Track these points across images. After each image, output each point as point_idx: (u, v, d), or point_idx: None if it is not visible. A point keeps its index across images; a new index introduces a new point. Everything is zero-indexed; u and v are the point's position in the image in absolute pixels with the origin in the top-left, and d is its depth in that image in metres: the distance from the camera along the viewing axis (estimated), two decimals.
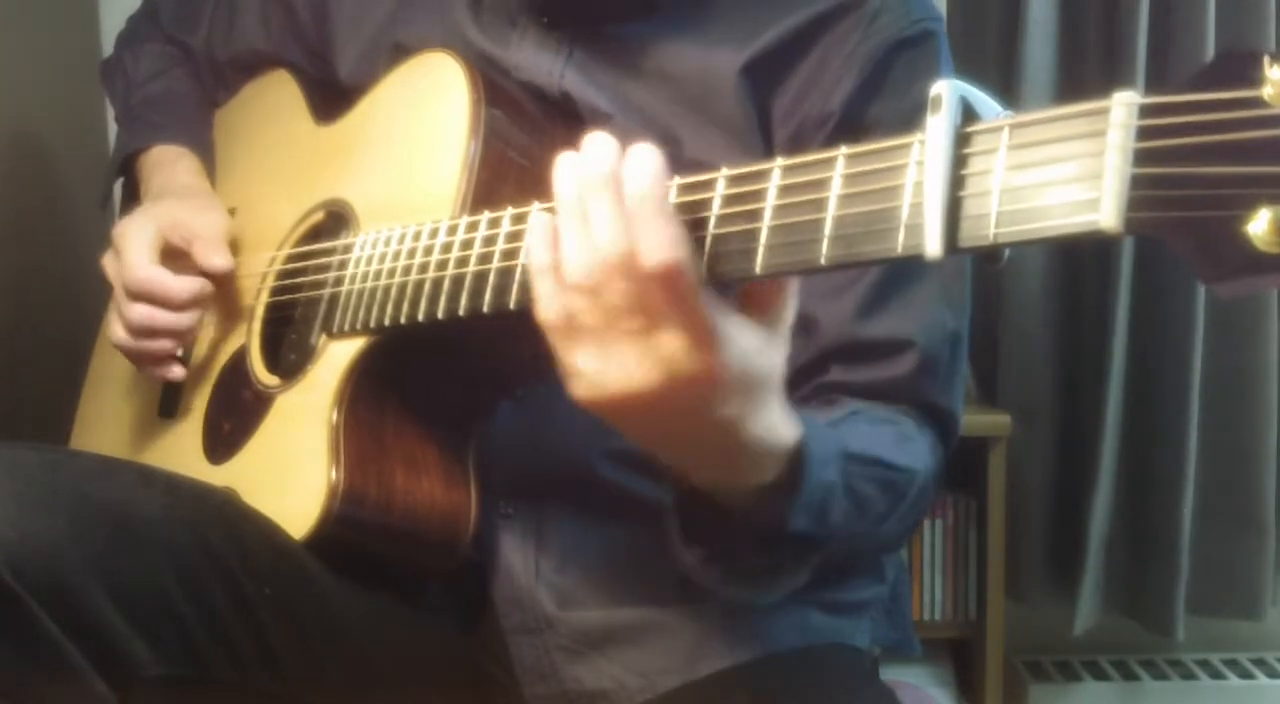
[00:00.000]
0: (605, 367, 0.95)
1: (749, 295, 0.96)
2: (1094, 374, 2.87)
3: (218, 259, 1.50)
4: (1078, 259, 2.90)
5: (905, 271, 1.32)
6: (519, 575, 1.38)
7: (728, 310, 0.93)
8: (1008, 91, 2.78)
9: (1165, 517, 2.86)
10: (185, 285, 1.47)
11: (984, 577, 2.81)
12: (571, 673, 1.38)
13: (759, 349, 0.94)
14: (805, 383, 1.34)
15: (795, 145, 1.35)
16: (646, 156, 0.94)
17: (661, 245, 0.90)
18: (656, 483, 1.36)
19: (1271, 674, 3.04)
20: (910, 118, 1.32)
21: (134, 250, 1.47)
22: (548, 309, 0.97)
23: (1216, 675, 3.04)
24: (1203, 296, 2.78)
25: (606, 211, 0.93)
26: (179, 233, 1.51)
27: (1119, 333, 2.80)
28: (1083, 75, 2.82)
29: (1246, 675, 3.04)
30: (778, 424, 1.02)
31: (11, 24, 2.13)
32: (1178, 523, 2.84)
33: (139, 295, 1.46)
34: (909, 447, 1.27)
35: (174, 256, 1.50)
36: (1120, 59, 2.75)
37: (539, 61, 1.41)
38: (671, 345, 0.92)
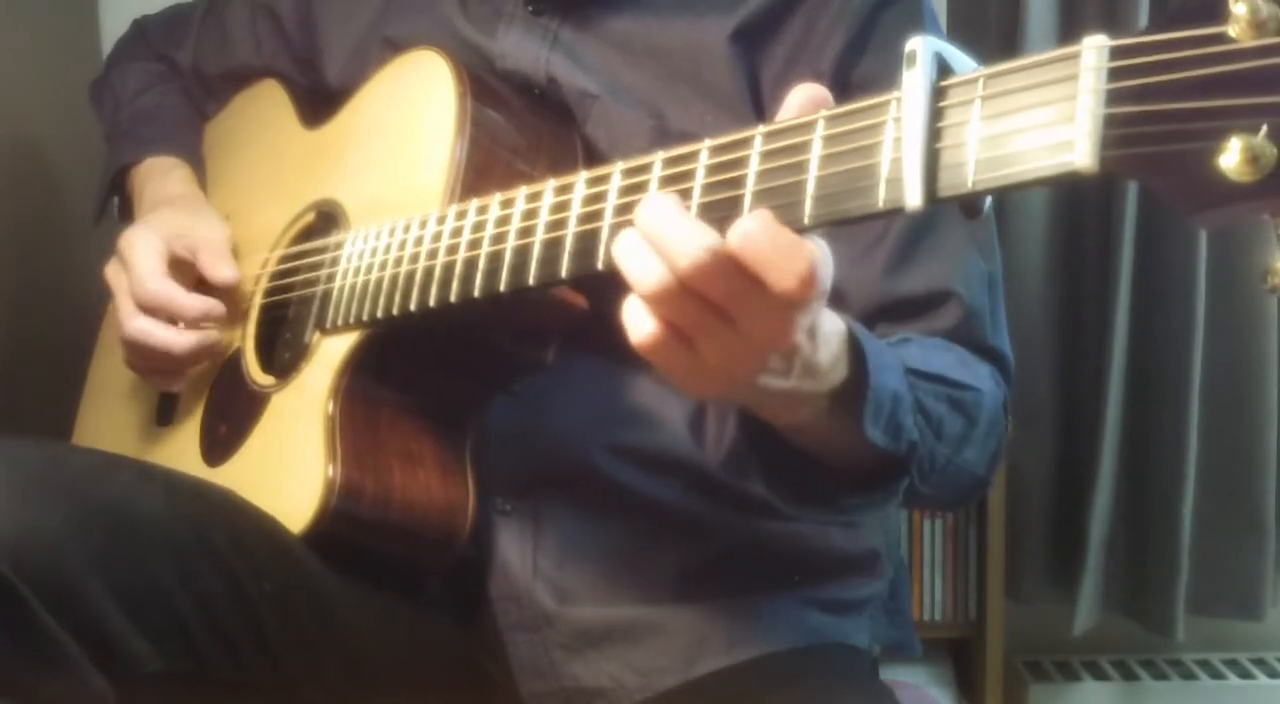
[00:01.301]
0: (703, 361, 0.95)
1: None
2: (1094, 374, 2.86)
3: (225, 271, 1.50)
4: (1078, 259, 2.91)
5: (929, 223, 1.32)
6: (517, 572, 1.38)
7: None
8: None
9: (1165, 517, 2.86)
10: (197, 303, 1.47)
11: (984, 577, 2.81)
12: (569, 670, 1.38)
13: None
14: None
15: None
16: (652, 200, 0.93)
17: (688, 254, 0.88)
18: (656, 479, 1.38)
19: (1271, 674, 3.03)
20: (900, 73, 1.33)
21: (143, 262, 1.47)
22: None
23: (1216, 675, 3.02)
24: (1203, 296, 2.78)
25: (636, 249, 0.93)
26: (182, 243, 1.51)
27: (1119, 333, 2.79)
28: None
29: (1246, 675, 3.03)
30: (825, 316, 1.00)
31: (11, 27, 2.14)
32: (1178, 523, 2.83)
33: (149, 308, 1.46)
34: (970, 369, 1.26)
35: (178, 267, 1.50)
36: None
37: (525, 48, 1.42)
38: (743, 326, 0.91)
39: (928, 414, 1.14)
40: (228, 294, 1.53)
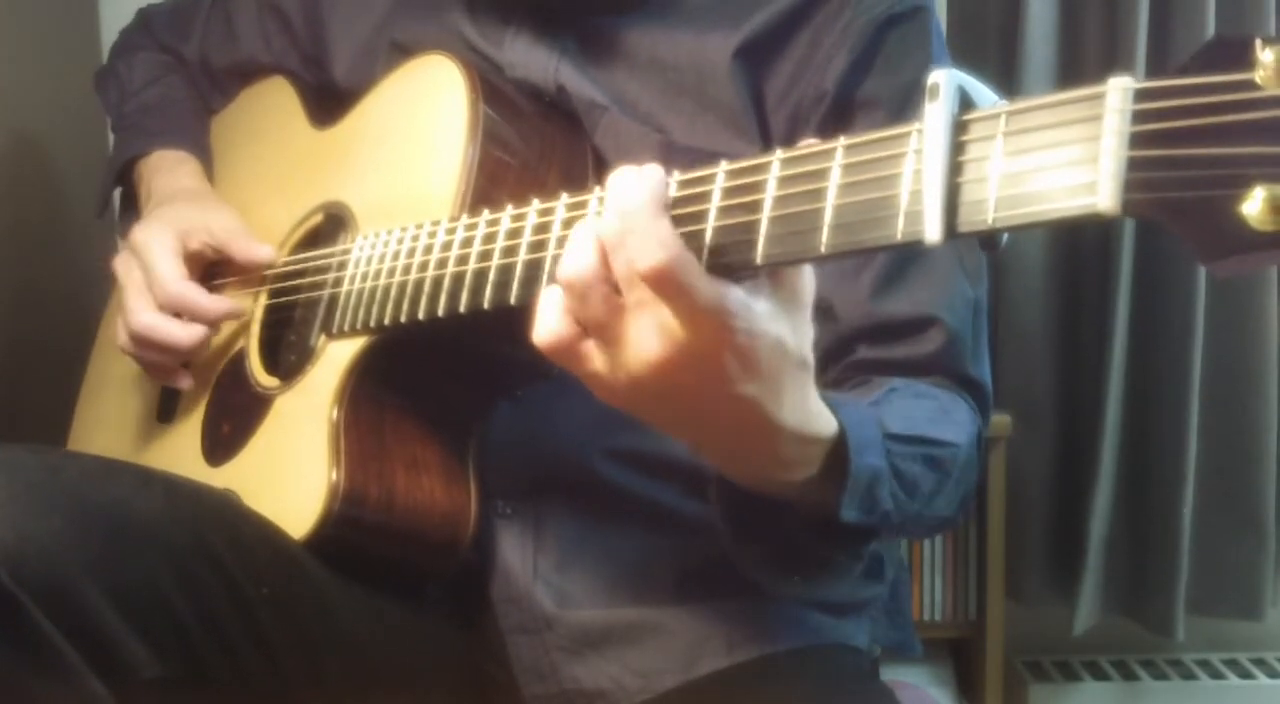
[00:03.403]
0: (612, 359, 0.94)
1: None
2: (1094, 374, 2.87)
3: (261, 251, 1.51)
4: (1078, 259, 2.91)
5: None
6: (517, 575, 1.38)
7: (729, 283, 0.90)
8: (1008, 91, 2.78)
9: (1165, 517, 2.87)
10: (219, 305, 1.47)
11: (984, 577, 2.81)
12: (570, 673, 1.38)
13: (770, 314, 0.92)
14: (834, 365, 1.33)
15: (793, 127, 1.36)
16: (631, 175, 0.93)
17: (648, 249, 0.88)
18: (656, 482, 1.37)
19: (1271, 674, 3.04)
20: (904, 94, 1.33)
21: (162, 262, 1.47)
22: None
23: (1216, 675, 3.04)
24: (1203, 296, 2.79)
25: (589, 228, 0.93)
26: (199, 238, 1.51)
27: (1119, 333, 2.80)
28: (1083, 75, 2.82)
29: (1246, 675, 3.04)
30: (814, 413, 1.01)
31: (11, 26, 2.14)
32: (1178, 523, 2.84)
33: (171, 309, 1.46)
34: (949, 420, 1.26)
35: (194, 262, 1.51)
36: (1120, 59, 2.76)
37: (533, 58, 1.41)
38: (671, 319, 0.90)
39: (902, 477, 1.14)
40: (231, 293, 1.53)
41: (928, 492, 1.19)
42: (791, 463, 1.03)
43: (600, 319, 0.93)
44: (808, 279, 0.94)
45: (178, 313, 1.46)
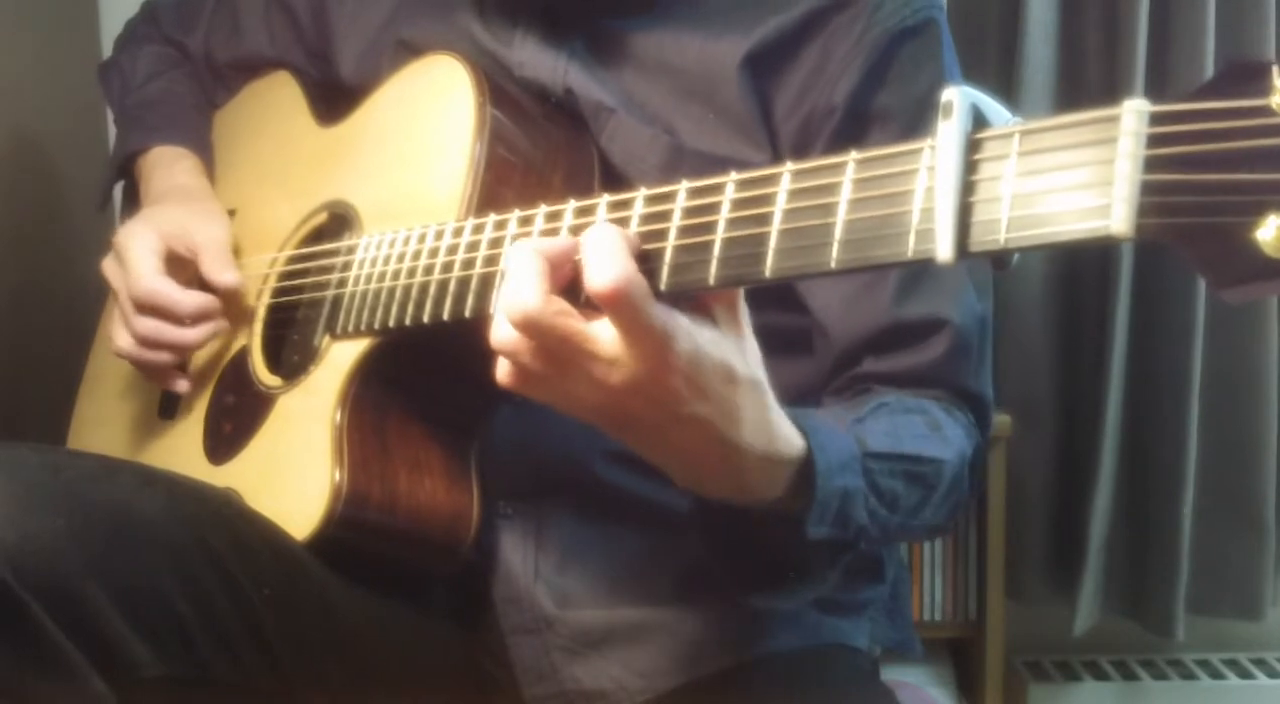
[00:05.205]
0: (566, 385, 0.99)
1: (695, 300, 0.98)
2: (1094, 374, 2.86)
3: (227, 275, 1.50)
4: (1078, 260, 2.90)
5: None
6: (518, 575, 1.38)
7: (672, 310, 0.94)
8: (1008, 92, 2.78)
9: (1165, 517, 2.86)
10: (192, 300, 1.47)
11: (984, 577, 2.81)
12: (570, 673, 1.38)
13: (713, 341, 0.96)
14: (837, 376, 1.35)
15: (803, 139, 1.35)
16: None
17: (604, 272, 0.91)
18: (656, 483, 1.37)
19: (1271, 674, 3.04)
20: (916, 107, 1.33)
21: (139, 260, 1.47)
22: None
23: (1216, 675, 3.04)
24: (1203, 297, 2.78)
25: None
26: (182, 243, 1.51)
27: (1119, 333, 2.79)
28: (1083, 76, 2.83)
29: (1246, 675, 3.04)
30: (778, 435, 1.03)
31: (11, 25, 2.13)
32: (1178, 523, 2.84)
33: (145, 307, 1.46)
34: (938, 435, 1.27)
35: (178, 264, 1.50)
36: (1120, 60, 2.75)
37: (542, 58, 1.41)
38: (617, 346, 0.94)
39: (881, 494, 1.16)
40: (231, 293, 1.53)
41: (910, 506, 1.21)
42: (757, 485, 1.05)
43: (542, 359, 0.99)
44: (741, 309, 0.99)
45: (154, 311, 1.46)
